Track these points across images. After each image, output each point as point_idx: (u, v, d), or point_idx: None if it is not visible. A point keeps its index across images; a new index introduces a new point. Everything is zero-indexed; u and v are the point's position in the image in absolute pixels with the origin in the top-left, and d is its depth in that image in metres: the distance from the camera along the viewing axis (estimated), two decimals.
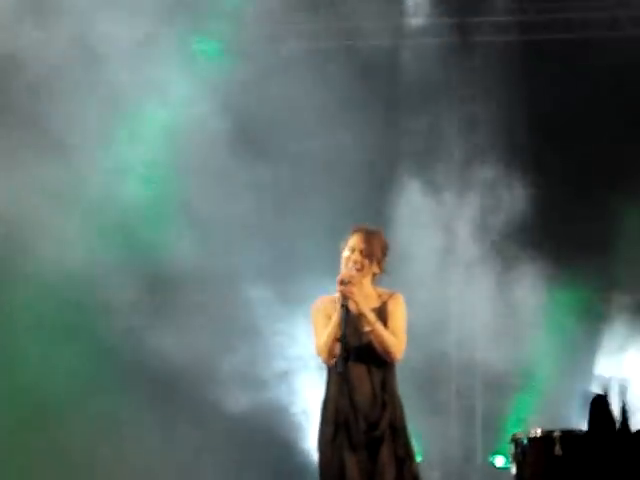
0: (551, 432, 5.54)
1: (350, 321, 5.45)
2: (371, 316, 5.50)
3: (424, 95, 9.09)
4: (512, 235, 8.90)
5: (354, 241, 5.68)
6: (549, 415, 7.68)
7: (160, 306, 9.06)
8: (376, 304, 5.62)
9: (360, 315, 5.48)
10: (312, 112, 8.54)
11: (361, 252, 5.64)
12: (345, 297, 5.45)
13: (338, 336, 5.42)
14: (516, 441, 5.67)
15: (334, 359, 5.46)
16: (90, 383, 8.97)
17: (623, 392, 5.64)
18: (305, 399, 8.19)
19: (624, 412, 5.32)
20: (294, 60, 8.94)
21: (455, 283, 9.06)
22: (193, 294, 9.14)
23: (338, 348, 5.44)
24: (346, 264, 5.63)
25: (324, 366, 5.61)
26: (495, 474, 7.81)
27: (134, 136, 8.98)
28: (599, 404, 5.20)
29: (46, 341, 9.01)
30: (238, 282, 8.64)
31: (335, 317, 5.47)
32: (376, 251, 5.69)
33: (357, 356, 5.50)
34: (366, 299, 5.55)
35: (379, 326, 5.51)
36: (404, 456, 5.46)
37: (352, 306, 5.47)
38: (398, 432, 5.49)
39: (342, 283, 5.47)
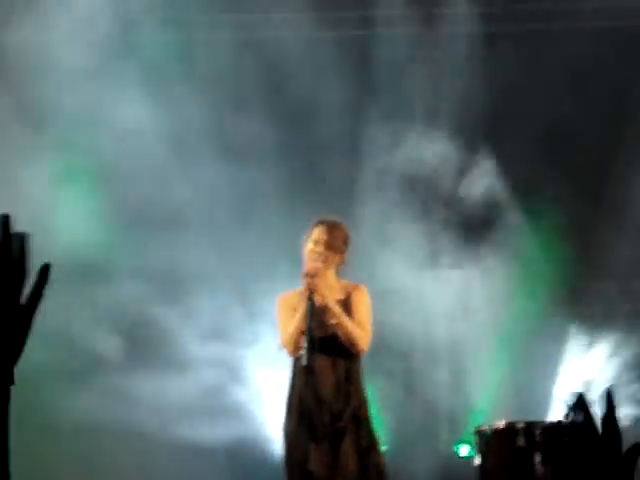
0: (514, 423, 5.56)
1: (315, 314, 5.47)
2: (336, 308, 5.52)
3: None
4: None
5: (317, 233, 5.69)
6: (513, 406, 7.73)
7: None
8: (341, 296, 5.64)
9: (325, 307, 5.50)
10: None
11: (324, 244, 5.66)
12: (311, 290, 5.46)
13: (303, 329, 5.44)
14: (480, 433, 5.70)
15: (299, 351, 5.48)
16: None
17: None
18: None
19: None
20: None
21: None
22: None
23: (303, 341, 5.46)
24: (310, 257, 5.65)
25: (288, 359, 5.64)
26: (459, 463, 7.84)
27: None
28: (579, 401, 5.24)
29: None
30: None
31: (300, 310, 5.48)
32: (339, 243, 5.71)
33: (322, 348, 5.51)
34: (331, 291, 5.57)
35: (345, 318, 5.53)
36: (368, 446, 5.49)
37: (318, 299, 5.49)
38: (361, 423, 5.52)
39: (307, 276, 5.48)
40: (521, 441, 5.43)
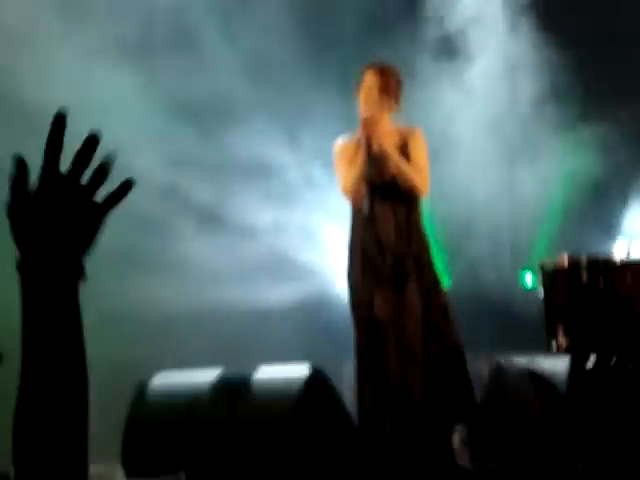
0: (578, 260, 5.55)
1: (374, 160, 5.45)
2: (395, 155, 5.49)
3: None
4: None
5: (370, 79, 5.60)
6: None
7: None
8: (398, 141, 5.60)
9: (384, 154, 5.47)
10: None
11: (379, 89, 5.57)
12: (369, 137, 5.42)
13: (364, 176, 5.43)
14: (544, 268, 5.70)
15: (361, 199, 5.49)
16: None
17: None
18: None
19: None
20: None
21: None
22: None
23: (364, 188, 5.46)
24: (365, 103, 5.58)
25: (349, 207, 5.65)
26: (524, 296, 7.87)
27: None
28: None
29: None
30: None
31: (360, 158, 5.46)
32: (393, 86, 5.62)
33: (382, 194, 5.51)
34: (387, 137, 5.53)
35: (403, 164, 5.50)
36: (430, 287, 5.54)
37: (375, 146, 5.45)
38: (424, 265, 5.55)
39: (366, 124, 5.43)
40: (585, 277, 5.43)
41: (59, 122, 1.50)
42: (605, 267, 5.45)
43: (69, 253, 1.50)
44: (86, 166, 1.52)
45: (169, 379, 6.16)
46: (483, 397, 6.04)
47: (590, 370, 5.39)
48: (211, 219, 7.86)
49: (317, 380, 5.82)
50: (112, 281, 6.61)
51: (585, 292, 5.46)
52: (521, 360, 6.16)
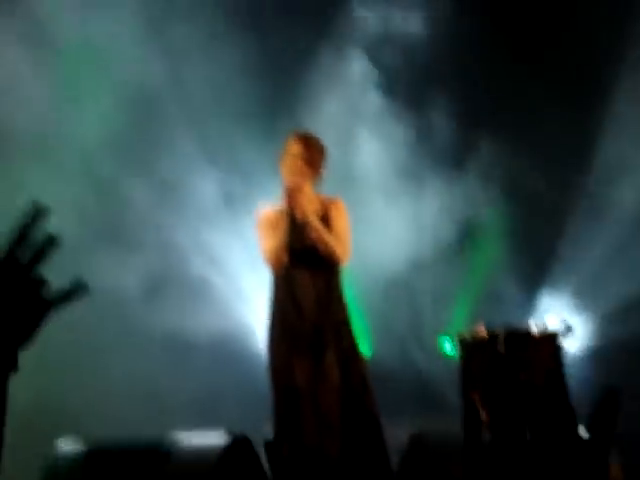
0: (495, 331, 5.64)
1: (297, 228, 5.51)
2: (316, 223, 5.55)
3: None
4: None
5: (294, 148, 5.67)
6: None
7: None
8: (319, 210, 5.66)
9: (306, 222, 5.52)
10: None
11: (302, 159, 5.64)
12: (292, 205, 5.48)
13: (286, 244, 5.48)
14: (461, 340, 5.78)
15: (282, 267, 5.53)
16: None
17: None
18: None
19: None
20: None
21: None
22: None
23: (285, 256, 5.50)
24: (289, 171, 5.64)
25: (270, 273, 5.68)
26: (442, 366, 7.94)
27: None
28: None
29: None
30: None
31: (282, 226, 5.51)
32: (316, 156, 5.70)
33: (302, 261, 5.56)
34: (310, 205, 5.59)
35: (324, 232, 5.56)
36: (349, 355, 5.56)
37: (298, 214, 5.51)
38: (343, 333, 5.58)
39: (289, 192, 5.49)
40: (501, 348, 5.51)
41: (33, 218, 1.47)
42: (522, 339, 5.54)
43: (5, 345, 1.46)
44: (26, 245, 1.48)
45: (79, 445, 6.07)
46: (402, 464, 6.05)
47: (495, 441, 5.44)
48: None
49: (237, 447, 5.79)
50: None
51: (502, 363, 5.54)
52: (440, 426, 6.19)
